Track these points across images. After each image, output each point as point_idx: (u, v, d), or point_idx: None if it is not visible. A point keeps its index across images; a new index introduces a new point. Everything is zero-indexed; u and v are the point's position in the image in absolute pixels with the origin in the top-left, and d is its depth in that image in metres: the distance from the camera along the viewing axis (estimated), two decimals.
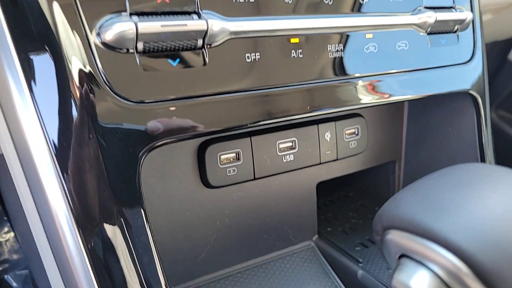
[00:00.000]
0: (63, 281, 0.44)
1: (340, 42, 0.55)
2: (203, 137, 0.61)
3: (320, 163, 0.72)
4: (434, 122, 0.80)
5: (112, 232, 0.43)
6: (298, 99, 0.53)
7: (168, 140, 0.44)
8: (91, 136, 0.41)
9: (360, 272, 0.70)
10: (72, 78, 0.40)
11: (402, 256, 0.29)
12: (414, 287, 0.27)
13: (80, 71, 0.40)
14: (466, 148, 0.76)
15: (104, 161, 0.41)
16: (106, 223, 0.42)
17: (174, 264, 0.64)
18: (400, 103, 0.84)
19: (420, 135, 0.84)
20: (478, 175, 0.30)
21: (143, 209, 0.44)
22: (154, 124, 0.43)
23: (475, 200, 0.28)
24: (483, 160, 0.74)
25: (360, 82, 0.58)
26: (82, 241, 0.42)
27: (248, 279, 0.70)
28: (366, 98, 0.59)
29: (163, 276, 0.47)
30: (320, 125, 0.71)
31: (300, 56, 0.52)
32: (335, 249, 0.76)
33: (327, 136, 0.72)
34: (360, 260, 0.73)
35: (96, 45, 0.40)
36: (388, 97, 0.62)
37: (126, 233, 0.43)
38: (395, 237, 0.29)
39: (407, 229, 0.28)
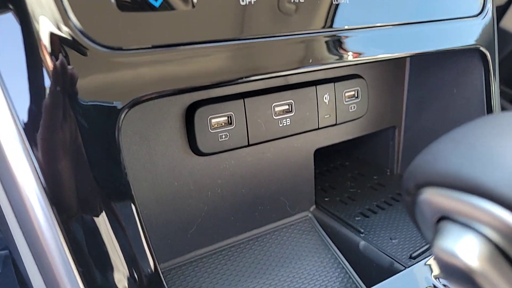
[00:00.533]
0: (34, 260, 0.39)
1: None
2: (191, 93, 0.55)
3: (319, 128, 0.67)
4: (438, 83, 0.75)
5: (89, 203, 0.37)
6: (298, 50, 0.47)
7: (151, 95, 0.38)
8: (62, 86, 0.34)
9: (362, 243, 0.66)
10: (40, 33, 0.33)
11: (442, 219, 0.24)
12: (461, 255, 0.21)
13: (50, 22, 0.33)
14: (473, 110, 0.71)
15: (77, 118, 0.35)
16: (80, 192, 0.36)
17: (162, 239, 0.59)
18: (402, 64, 0.79)
19: (422, 98, 0.79)
20: None
21: (124, 174, 0.38)
22: (134, 75, 0.37)
23: None
24: None
25: (363, 34, 0.52)
26: (54, 214, 0.36)
27: (242, 253, 0.65)
28: (368, 52, 0.54)
29: (151, 252, 0.41)
30: (318, 87, 0.65)
31: (301, 1, 0.46)
32: (334, 220, 0.72)
33: (326, 98, 0.66)
34: (362, 230, 0.68)
35: None
36: (389, 51, 0.56)
37: (106, 204, 0.38)
38: (433, 196, 0.23)
39: (449, 185, 0.23)
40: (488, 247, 0.22)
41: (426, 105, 0.78)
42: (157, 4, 0.38)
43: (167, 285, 0.43)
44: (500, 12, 1.81)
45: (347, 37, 0.52)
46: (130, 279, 0.40)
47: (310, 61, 0.48)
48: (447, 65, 0.73)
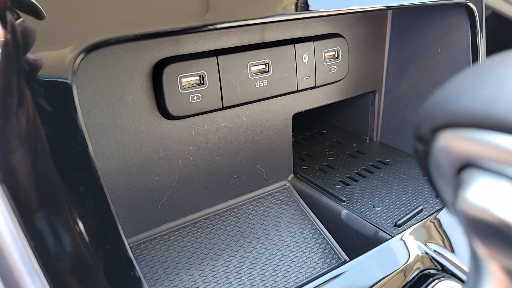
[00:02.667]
0: None
1: None
2: (158, 49, 0.49)
3: (297, 91, 0.62)
4: (422, 43, 0.71)
5: (42, 165, 0.31)
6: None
7: (107, 37, 0.33)
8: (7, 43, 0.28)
9: (344, 212, 0.63)
10: None
11: (465, 167, 0.19)
12: (496, 209, 0.17)
13: None
14: (458, 70, 0.67)
15: (26, 74, 0.29)
16: (32, 151, 0.30)
17: (130, 211, 0.54)
18: (383, 22, 0.74)
19: (404, 60, 0.75)
20: None
21: (82, 134, 0.33)
22: (89, 12, 0.31)
23: None
24: None
25: None
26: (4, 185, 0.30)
27: (217, 226, 0.60)
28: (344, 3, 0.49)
29: (116, 224, 0.36)
30: (297, 45, 0.60)
31: None
32: (314, 189, 0.68)
33: (305, 58, 0.61)
34: (343, 199, 0.65)
35: None
36: (372, 4, 0.52)
37: (62, 171, 0.32)
38: (454, 140, 0.19)
39: (476, 124, 0.18)
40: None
41: (408, 67, 0.75)
42: None
43: (136, 260, 0.39)
44: None
45: None
46: (93, 254, 0.34)
47: (284, 9, 0.43)
48: (432, 23, 0.69)
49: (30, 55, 0.30)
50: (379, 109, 0.81)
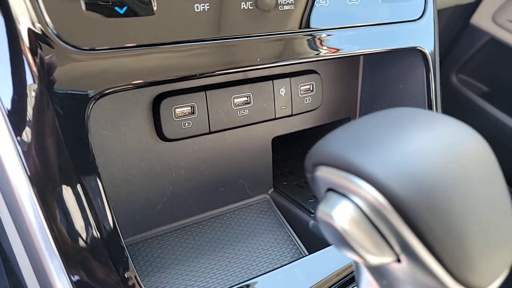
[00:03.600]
0: (15, 225, 0.45)
1: None
2: (157, 85, 0.62)
3: (275, 118, 0.74)
4: (388, 79, 0.83)
5: (62, 178, 0.44)
6: (247, 51, 0.54)
7: (117, 88, 0.45)
8: (42, 85, 0.41)
9: (311, 222, 0.74)
10: (21, 33, 0.40)
11: (328, 190, 0.31)
12: (335, 217, 0.29)
13: (29, 24, 0.40)
14: (416, 104, 0.79)
15: (55, 108, 0.42)
16: (55, 167, 0.43)
17: (131, 215, 0.66)
18: (355, 61, 0.86)
19: (374, 92, 0.87)
20: (406, 118, 0.32)
21: (92, 154, 0.45)
22: (103, 70, 0.44)
23: (399, 139, 0.30)
24: None
25: (312, 36, 0.59)
26: (35, 194, 0.42)
27: (204, 230, 0.72)
28: (317, 52, 0.61)
29: (113, 219, 0.48)
30: (275, 81, 0.72)
31: (251, 8, 0.53)
32: (290, 202, 0.79)
33: (282, 91, 0.73)
34: (312, 211, 0.76)
35: None
36: (339, 52, 0.63)
37: (76, 179, 0.44)
38: (323, 172, 0.31)
39: (333, 164, 0.30)
40: (357, 212, 0.29)
41: (377, 98, 0.86)
42: (121, 11, 0.44)
43: (134, 255, 0.50)
44: (471, 9, 1.89)
45: (295, 39, 0.59)
46: (93, 240, 0.46)
47: (258, 60, 0.55)
48: (394, 63, 0.80)
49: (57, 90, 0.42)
50: None
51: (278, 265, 0.69)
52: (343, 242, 0.29)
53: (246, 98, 0.69)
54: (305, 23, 0.58)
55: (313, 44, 0.60)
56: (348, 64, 0.85)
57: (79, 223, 0.44)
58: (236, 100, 0.68)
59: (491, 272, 0.29)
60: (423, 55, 0.74)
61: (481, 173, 0.30)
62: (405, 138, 0.30)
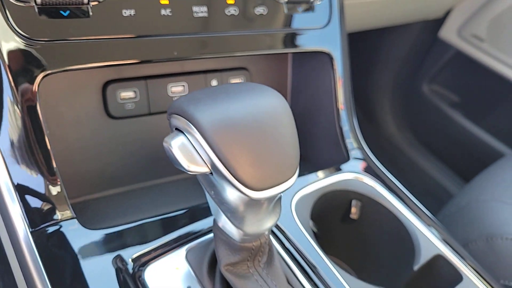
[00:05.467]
0: None
1: (203, 5, 0.73)
2: (107, 73, 0.79)
3: None
4: (308, 76, 0.99)
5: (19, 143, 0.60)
6: (164, 46, 0.71)
7: (61, 69, 0.62)
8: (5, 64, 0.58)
9: None
10: None
11: (176, 129, 0.48)
12: (172, 144, 0.46)
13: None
14: (328, 97, 0.95)
15: (13, 81, 0.59)
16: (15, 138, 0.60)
17: (83, 179, 0.82)
18: (284, 59, 1.02)
19: (300, 87, 1.03)
20: (237, 88, 0.49)
21: (40, 124, 0.61)
22: (51, 55, 0.61)
23: (221, 100, 0.47)
24: (336, 106, 0.94)
25: (221, 38, 0.76)
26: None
27: (144, 194, 0.88)
28: (225, 50, 0.77)
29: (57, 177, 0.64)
30: (207, 74, 0.89)
31: (169, 14, 0.70)
32: None
33: (213, 82, 0.90)
34: None
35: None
36: (250, 51, 0.80)
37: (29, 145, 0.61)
38: (173, 118, 0.48)
39: (179, 113, 0.47)
40: (185, 141, 0.46)
41: (302, 92, 1.03)
42: (65, 14, 0.61)
43: (79, 210, 0.65)
44: (439, 23, 2.06)
45: (207, 39, 0.75)
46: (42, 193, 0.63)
47: (175, 53, 0.72)
48: (312, 63, 0.97)
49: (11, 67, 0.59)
50: None
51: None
52: (175, 159, 0.46)
53: (182, 87, 0.86)
54: (216, 27, 0.75)
55: (223, 44, 0.77)
56: (277, 61, 1.02)
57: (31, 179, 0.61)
58: (173, 88, 0.85)
59: (265, 181, 0.45)
60: (330, 57, 0.91)
61: (268, 121, 0.46)
62: (225, 100, 0.47)
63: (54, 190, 0.62)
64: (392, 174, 0.90)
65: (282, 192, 0.48)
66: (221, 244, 0.55)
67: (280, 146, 0.46)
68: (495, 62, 1.86)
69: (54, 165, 0.62)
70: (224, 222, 0.52)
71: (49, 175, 0.62)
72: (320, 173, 0.85)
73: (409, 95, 2.24)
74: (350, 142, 0.93)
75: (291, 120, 0.49)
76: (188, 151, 0.46)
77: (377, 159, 0.93)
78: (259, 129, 0.45)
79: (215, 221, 0.55)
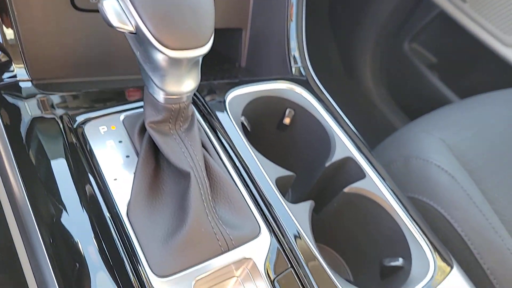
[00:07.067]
0: None
1: None
2: None
3: None
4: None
5: None
6: None
7: None
8: None
9: None
10: None
11: None
12: (104, 3, 0.55)
13: None
14: (282, 17, 1.04)
15: None
16: None
17: (44, 64, 0.91)
18: None
19: (263, 6, 1.11)
20: None
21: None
22: None
23: None
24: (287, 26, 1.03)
25: None
26: None
27: (104, 85, 0.98)
28: None
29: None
30: None
31: None
32: None
33: None
34: None
35: None
36: None
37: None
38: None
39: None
40: (114, 2, 0.55)
41: (265, 12, 1.11)
42: None
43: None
44: None
45: None
46: None
47: None
48: None
49: None
50: (246, 42, 1.17)
51: None
52: (106, 17, 0.56)
53: None
54: None
55: None
56: None
57: None
58: None
59: (180, 43, 0.55)
60: None
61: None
62: None
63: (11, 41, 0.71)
64: (364, 130, 1.00)
65: (195, 56, 0.58)
66: (148, 105, 0.65)
67: (197, 16, 0.56)
68: (474, 24, 1.90)
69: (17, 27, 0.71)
70: (150, 86, 0.63)
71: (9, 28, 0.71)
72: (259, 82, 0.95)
73: (390, 52, 2.31)
74: (296, 58, 1.03)
75: None
76: (117, 11, 0.55)
77: (352, 113, 1.02)
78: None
79: (145, 87, 0.65)
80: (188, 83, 0.62)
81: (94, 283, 0.56)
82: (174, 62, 0.58)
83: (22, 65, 0.72)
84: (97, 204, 0.62)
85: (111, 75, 1.01)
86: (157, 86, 0.61)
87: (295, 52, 1.03)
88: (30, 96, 0.72)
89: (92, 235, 0.59)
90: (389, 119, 2.39)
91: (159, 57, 0.57)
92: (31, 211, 0.59)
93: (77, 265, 0.58)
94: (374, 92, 2.47)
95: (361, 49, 2.42)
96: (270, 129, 0.98)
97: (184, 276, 0.59)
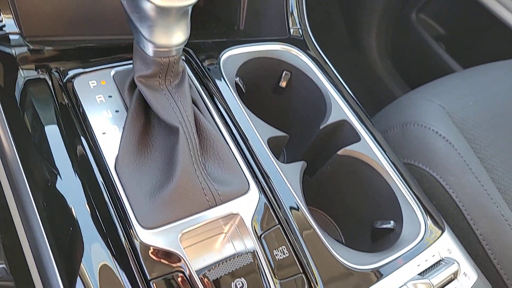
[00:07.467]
0: None
1: None
2: None
3: None
4: None
5: None
6: None
7: None
8: None
9: None
10: None
11: None
12: None
13: None
14: None
15: None
16: None
17: (38, 20, 0.90)
18: None
19: None
20: None
21: None
22: None
23: None
24: None
25: None
26: None
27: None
28: None
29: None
30: None
31: None
32: None
33: None
34: None
35: None
36: None
37: None
38: None
39: None
40: None
41: None
42: None
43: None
44: None
45: None
46: None
47: None
48: None
49: None
50: (244, 7, 1.15)
51: None
52: None
53: None
54: None
55: None
56: None
57: None
58: None
59: None
60: None
61: None
62: None
63: None
64: (368, 103, 0.98)
65: (183, 6, 0.56)
66: (137, 59, 0.64)
67: None
68: None
69: None
70: (139, 39, 0.62)
71: None
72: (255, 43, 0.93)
73: (398, 23, 2.27)
74: (295, 19, 1.00)
75: None
76: None
77: (356, 84, 1.00)
78: None
79: (134, 41, 0.64)
80: (177, 36, 0.61)
81: (85, 238, 0.56)
82: (162, 12, 0.57)
83: (11, 15, 0.71)
84: (85, 158, 0.62)
85: (105, 34, 0.99)
86: (145, 38, 0.60)
87: (294, 12, 1.00)
88: (20, 48, 0.71)
89: (81, 188, 0.59)
90: (392, 90, 2.36)
91: (146, 6, 0.56)
92: (18, 158, 0.60)
93: (66, 219, 0.58)
94: (378, 64, 2.44)
95: (369, 20, 2.38)
96: (265, 91, 0.97)
97: (170, 228, 0.59)
